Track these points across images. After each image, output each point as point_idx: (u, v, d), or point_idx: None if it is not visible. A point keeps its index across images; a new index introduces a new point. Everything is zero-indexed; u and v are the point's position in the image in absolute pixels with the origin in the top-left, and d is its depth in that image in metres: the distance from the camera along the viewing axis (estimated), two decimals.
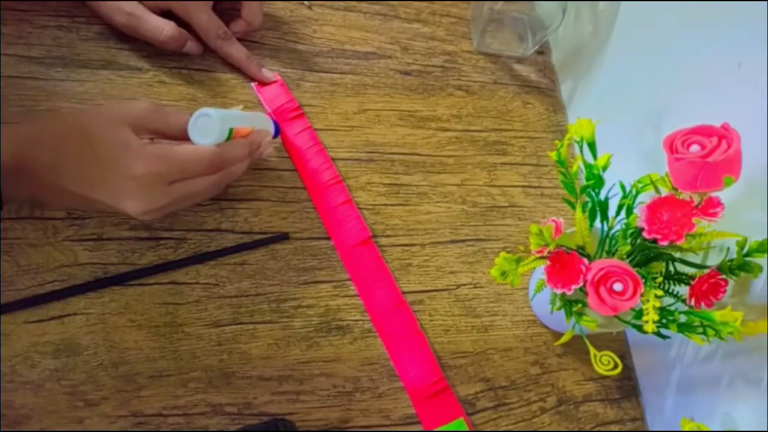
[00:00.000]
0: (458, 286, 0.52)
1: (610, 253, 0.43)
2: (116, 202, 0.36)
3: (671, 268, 0.42)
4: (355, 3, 0.61)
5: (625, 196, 0.42)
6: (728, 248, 0.41)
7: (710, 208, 0.36)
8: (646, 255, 0.41)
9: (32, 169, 0.35)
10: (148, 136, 0.40)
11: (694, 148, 0.37)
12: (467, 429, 0.46)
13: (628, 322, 0.41)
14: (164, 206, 0.38)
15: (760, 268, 0.39)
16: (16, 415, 0.38)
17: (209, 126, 0.40)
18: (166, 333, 0.43)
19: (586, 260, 0.39)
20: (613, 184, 0.42)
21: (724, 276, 0.39)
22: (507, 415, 0.48)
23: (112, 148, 0.36)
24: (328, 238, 0.50)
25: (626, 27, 0.56)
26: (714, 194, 0.37)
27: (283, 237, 0.48)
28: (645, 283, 0.37)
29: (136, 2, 0.47)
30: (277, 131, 0.49)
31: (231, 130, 0.41)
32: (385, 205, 0.53)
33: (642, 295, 0.37)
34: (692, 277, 0.39)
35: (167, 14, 0.48)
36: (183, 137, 0.40)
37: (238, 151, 0.42)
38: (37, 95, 0.46)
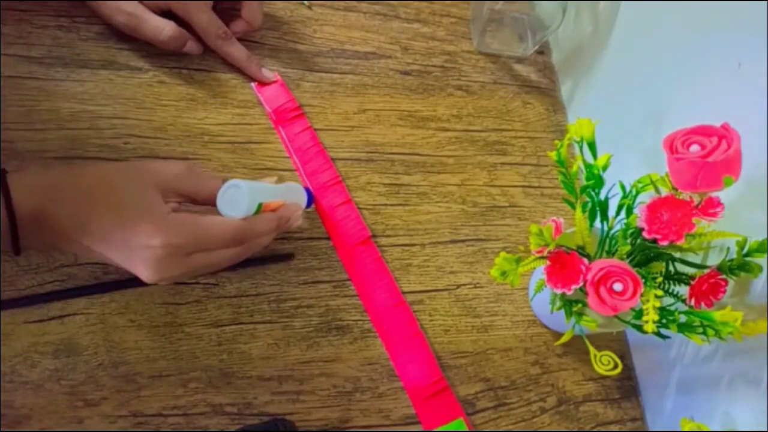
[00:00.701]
0: (458, 286, 0.52)
1: (610, 253, 0.43)
2: (130, 267, 0.35)
3: (671, 268, 0.42)
4: (355, 3, 0.61)
5: (625, 196, 0.42)
6: (728, 248, 0.41)
7: (710, 208, 0.36)
8: (646, 255, 0.41)
9: (52, 222, 0.34)
10: (176, 199, 0.39)
11: (694, 148, 0.37)
12: (467, 429, 0.46)
13: (628, 322, 0.41)
14: (179, 276, 0.37)
15: (760, 268, 0.39)
16: (16, 415, 0.38)
17: (238, 198, 0.38)
18: (166, 333, 0.43)
19: (586, 260, 0.39)
20: (613, 184, 0.42)
21: (724, 276, 0.39)
22: (507, 415, 0.48)
23: (135, 211, 0.35)
24: (328, 238, 0.50)
25: (626, 27, 0.56)
26: (714, 194, 0.37)
27: (288, 257, 0.47)
28: (645, 283, 0.37)
29: (136, 2, 0.47)
30: (311, 201, 0.48)
31: (260, 205, 0.40)
32: (385, 205, 0.53)
33: (642, 295, 0.37)
34: (692, 277, 0.39)
35: (167, 14, 0.48)
36: (212, 203, 0.39)
37: (264, 226, 0.40)
38: (37, 95, 0.46)
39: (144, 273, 0.35)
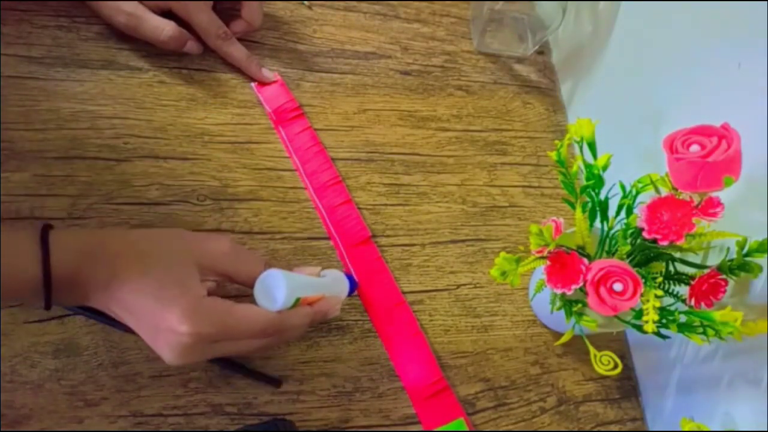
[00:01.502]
0: (458, 286, 0.52)
1: (610, 253, 0.43)
2: (153, 345, 0.35)
3: (671, 268, 0.42)
4: (355, 3, 0.61)
5: (625, 196, 0.42)
6: (728, 248, 0.41)
7: (710, 208, 0.36)
8: (646, 255, 0.41)
9: (84, 284, 0.34)
10: (213, 277, 0.38)
11: (694, 148, 0.37)
12: (467, 429, 0.46)
13: (628, 322, 0.41)
14: (200, 360, 0.36)
15: (760, 268, 0.39)
16: (16, 415, 0.38)
17: (276, 290, 0.37)
18: None
19: (586, 260, 0.39)
20: (613, 184, 0.42)
21: (724, 276, 0.39)
22: (507, 415, 0.48)
23: (169, 290, 0.34)
24: (328, 238, 0.50)
25: (626, 27, 0.56)
26: (714, 194, 0.37)
27: (276, 383, 0.43)
28: (645, 283, 0.37)
29: (136, 2, 0.47)
30: (353, 289, 0.46)
31: (298, 299, 0.38)
32: (385, 205, 0.53)
33: (642, 295, 0.37)
34: (692, 277, 0.39)
35: (167, 14, 0.49)
36: (250, 285, 0.38)
37: (298, 321, 0.38)
38: (37, 95, 0.46)
39: (166, 356, 0.34)
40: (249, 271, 0.38)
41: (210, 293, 0.36)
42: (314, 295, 0.40)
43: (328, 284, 0.43)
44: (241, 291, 0.38)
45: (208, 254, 0.37)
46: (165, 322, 0.33)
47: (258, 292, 0.37)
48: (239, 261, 0.38)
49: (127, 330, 0.35)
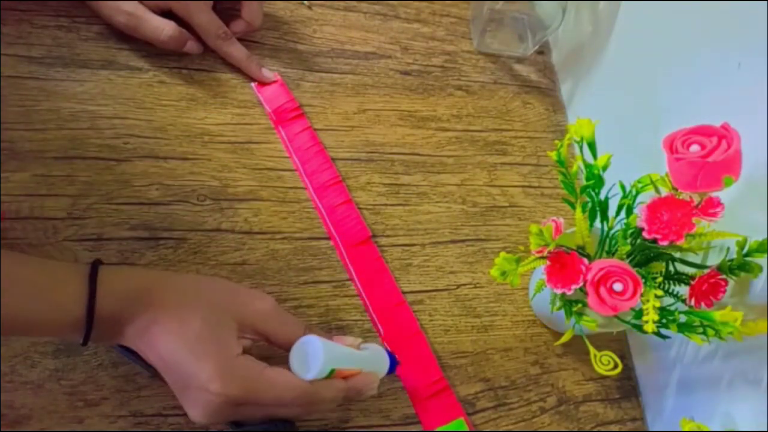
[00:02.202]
0: (458, 286, 0.52)
1: (610, 253, 0.43)
2: (180, 399, 0.34)
3: (671, 268, 0.42)
4: (355, 3, 0.61)
5: (625, 196, 0.42)
6: (728, 248, 0.41)
7: (710, 208, 0.36)
8: (646, 255, 0.41)
9: (124, 325, 0.34)
10: (251, 336, 0.38)
11: (694, 148, 0.37)
12: (467, 429, 0.46)
13: (628, 322, 0.41)
14: (226, 421, 0.36)
15: (760, 268, 0.39)
16: (16, 415, 0.38)
17: (312, 358, 0.36)
18: None
19: (586, 260, 0.39)
20: (613, 184, 0.42)
21: (724, 276, 0.39)
22: (507, 415, 0.48)
23: (205, 345, 0.33)
24: (328, 238, 0.50)
25: (626, 27, 0.56)
26: (714, 194, 0.37)
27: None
28: (645, 283, 0.37)
29: (136, 2, 0.47)
30: (393, 368, 0.42)
31: (333, 370, 0.36)
32: (385, 205, 0.53)
33: (642, 295, 0.37)
34: (692, 277, 0.39)
35: (167, 14, 0.49)
36: (287, 349, 0.37)
37: (331, 394, 0.36)
38: (37, 95, 0.46)
39: (192, 413, 0.34)
40: (288, 334, 0.37)
41: (245, 351, 0.35)
42: (350, 369, 0.38)
43: (367, 359, 0.41)
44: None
45: (250, 313, 0.37)
46: (196, 379, 0.33)
47: (293, 357, 0.36)
48: (280, 323, 0.38)
49: (156, 375, 0.35)
